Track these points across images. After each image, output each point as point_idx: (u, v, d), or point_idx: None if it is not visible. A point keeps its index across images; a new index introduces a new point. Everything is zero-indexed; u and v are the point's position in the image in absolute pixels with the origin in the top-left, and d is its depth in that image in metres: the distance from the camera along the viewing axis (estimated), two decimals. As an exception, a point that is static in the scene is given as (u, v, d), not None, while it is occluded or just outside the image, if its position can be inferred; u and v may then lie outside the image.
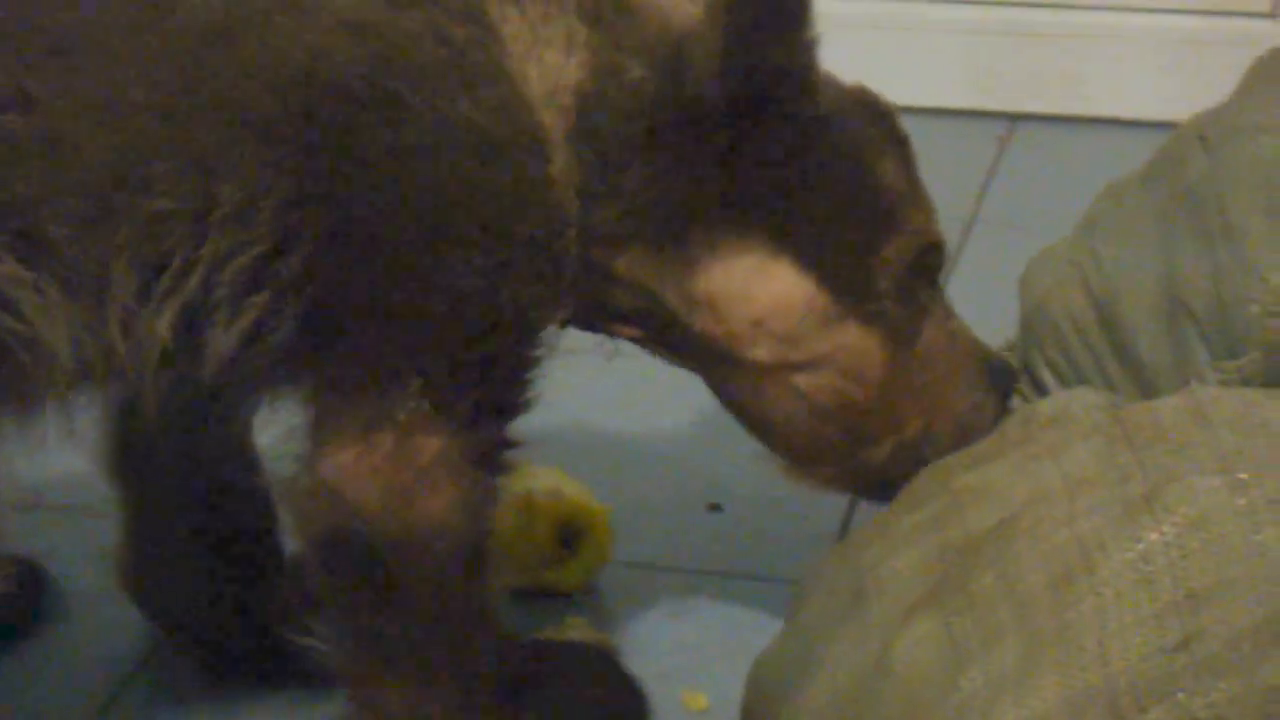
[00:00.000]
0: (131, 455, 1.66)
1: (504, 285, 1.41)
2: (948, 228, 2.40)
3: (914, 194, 1.55)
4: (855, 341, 1.52)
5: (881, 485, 1.58)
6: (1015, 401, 1.79)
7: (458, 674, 1.46)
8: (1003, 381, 1.61)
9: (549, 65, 1.44)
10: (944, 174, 2.53)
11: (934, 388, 1.56)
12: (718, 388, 1.58)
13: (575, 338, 1.56)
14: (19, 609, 1.74)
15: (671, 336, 1.53)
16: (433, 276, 1.40)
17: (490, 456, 1.45)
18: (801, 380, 1.53)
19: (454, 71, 1.39)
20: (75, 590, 1.77)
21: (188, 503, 1.66)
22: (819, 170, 1.49)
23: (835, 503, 1.90)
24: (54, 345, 1.35)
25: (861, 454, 1.56)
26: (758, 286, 1.51)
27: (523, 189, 1.41)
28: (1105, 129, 2.70)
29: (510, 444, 1.47)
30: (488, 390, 1.44)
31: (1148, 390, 1.71)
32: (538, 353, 1.46)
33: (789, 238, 1.49)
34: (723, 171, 1.47)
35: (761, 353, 1.52)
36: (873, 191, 1.52)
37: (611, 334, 1.57)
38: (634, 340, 1.56)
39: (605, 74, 1.45)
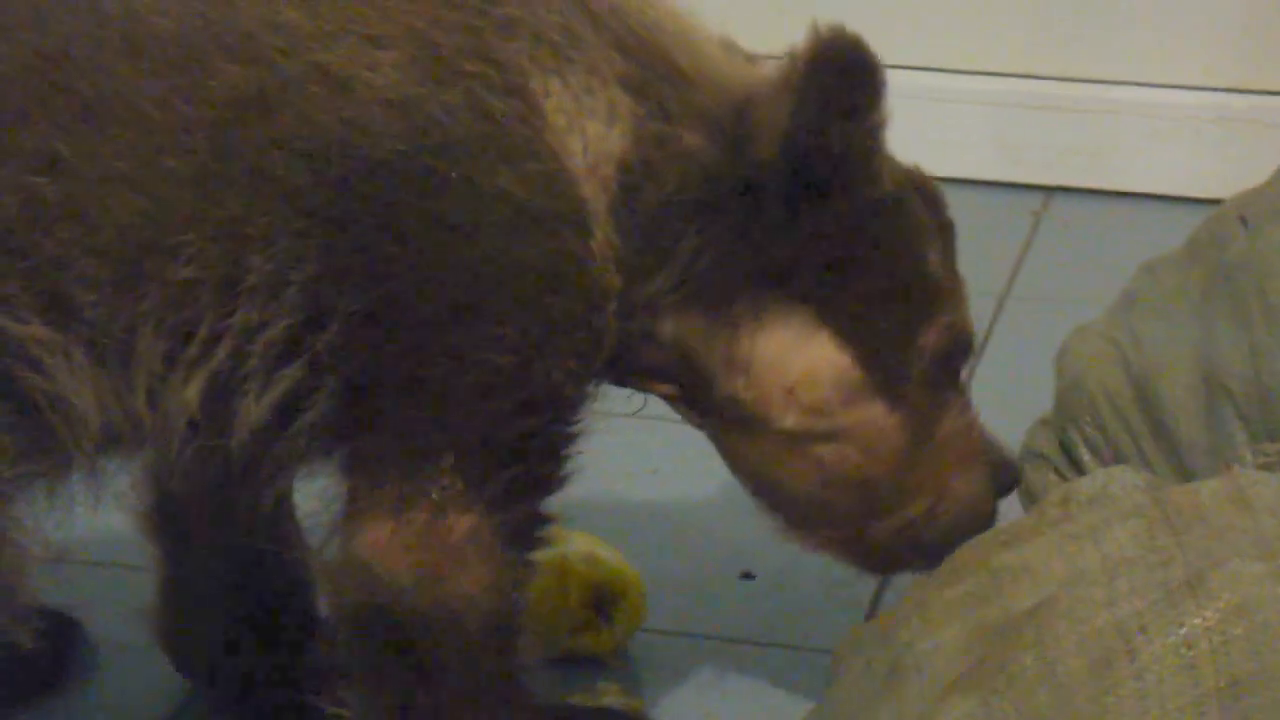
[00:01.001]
0: (168, 514, 1.66)
1: (539, 362, 1.41)
2: (982, 302, 2.41)
3: (953, 284, 1.57)
4: (880, 419, 1.53)
5: (876, 557, 1.60)
6: (1052, 478, 1.80)
7: None
8: (1006, 480, 1.63)
9: (592, 137, 1.44)
10: (978, 247, 2.54)
11: (945, 474, 1.57)
12: (733, 449, 1.57)
13: (606, 401, 1.56)
14: (52, 662, 1.74)
15: (703, 396, 1.53)
16: (466, 353, 1.40)
17: (523, 534, 1.45)
18: (822, 450, 1.53)
19: (494, 146, 1.39)
20: (109, 644, 1.77)
21: (222, 562, 1.66)
22: (872, 251, 1.50)
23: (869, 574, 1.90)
24: (82, 409, 1.36)
25: (866, 526, 1.57)
26: (797, 356, 1.51)
27: (562, 264, 1.41)
28: (1139, 204, 2.71)
29: (544, 520, 1.47)
30: (522, 468, 1.43)
31: (1185, 470, 1.71)
32: (573, 429, 1.46)
33: (833, 313, 1.50)
34: (778, 244, 1.48)
35: (789, 420, 1.52)
36: (920, 278, 1.53)
37: (642, 389, 1.57)
38: (664, 397, 1.56)
39: (651, 143, 1.45)
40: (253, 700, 1.67)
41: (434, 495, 1.41)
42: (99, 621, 1.78)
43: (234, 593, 1.67)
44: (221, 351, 1.38)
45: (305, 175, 1.36)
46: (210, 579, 1.67)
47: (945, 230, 1.56)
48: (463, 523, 1.41)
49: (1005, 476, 1.63)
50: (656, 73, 1.47)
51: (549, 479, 1.46)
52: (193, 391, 1.38)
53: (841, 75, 1.42)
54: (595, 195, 1.43)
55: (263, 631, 1.67)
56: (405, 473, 1.41)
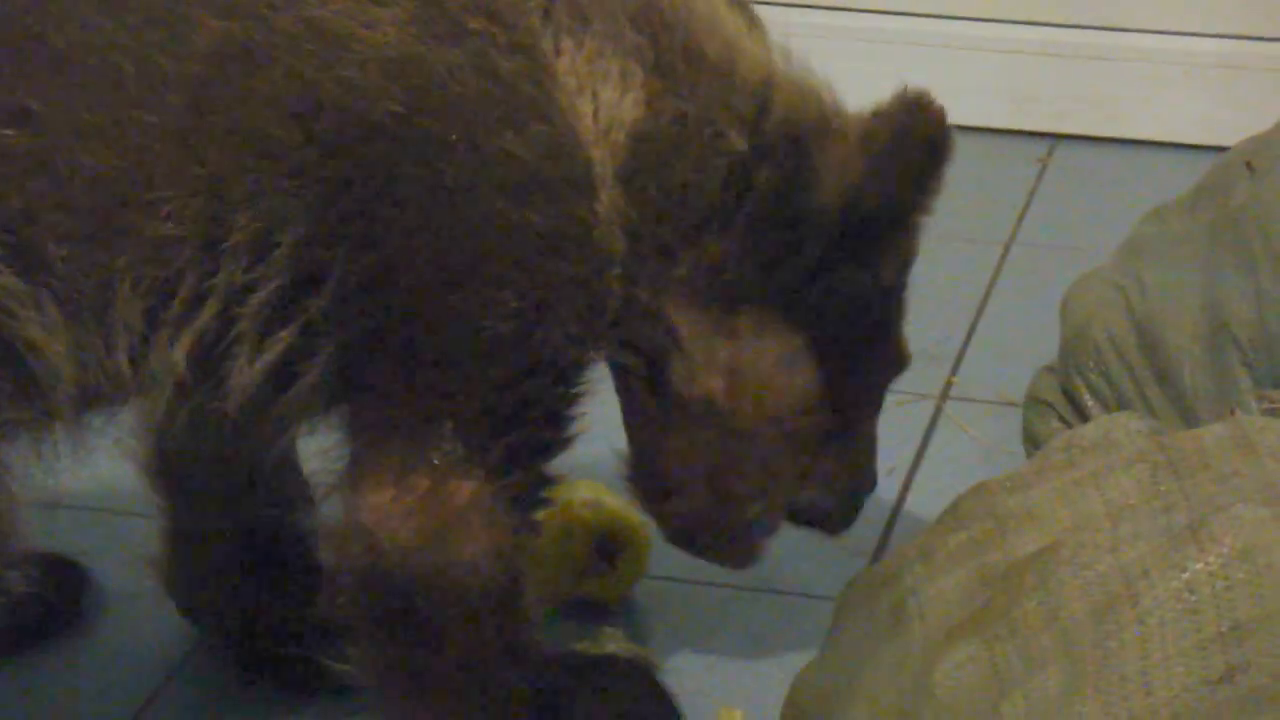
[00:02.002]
0: (171, 464, 1.66)
1: (540, 327, 1.40)
2: (987, 250, 2.41)
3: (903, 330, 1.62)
4: (824, 426, 1.56)
5: (708, 538, 1.61)
6: (1056, 425, 1.80)
7: (491, 704, 1.46)
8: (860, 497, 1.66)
9: (604, 101, 1.42)
10: (984, 195, 2.55)
11: (839, 474, 1.60)
12: (665, 431, 1.56)
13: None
14: (60, 608, 1.75)
15: (667, 382, 1.52)
16: (466, 319, 1.39)
17: (526, 498, 1.45)
18: (761, 446, 1.54)
19: (499, 106, 1.37)
20: (116, 590, 1.78)
21: (225, 513, 1.66)
22: (884, 299, 1.54)
23: (873, 520, 1.90)
24: (55, 362, 1.34)
25: (731, 512, 1.58)
26: (783, 378, 1.52)
27: (566, 228, 1.39)
28: (1145, 152, 2.70)
29: (547, 483, 1.47)
30: (523, 433, 1.43)
31: (1188, 416, 1.71)
32: (575, 392, 1.46)
33: (826, 348, 1.53)
34: (802, 275, 1.49)
35: (748, 423, 1.53)
36: (899, 328, 1.59)
37: (607, 357, 1.54)
38: (624, 367, 1.54)
39: (672, 118, 1.44)
40: (257, 648, 1.68)
41: (435, 461, 1.40)
42: (106, 568, 1.79)
43: (237, 542, 1.67)
44: (207, 312, 1.36)
45: (294, 134, 1.34)
46: (213, 529, 1.67)
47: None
48: (465, 488, 1.41)
49: (864, 493, 1.65)
50: (678, 53, 1.45)
51: (551, 443, 1.46)
52: (179, 353, 1.37)
53: (925, 151, 1.46)
54: (604, 159, 1.41)
55: (266, 581, 1.67)
56: (406, 438, 1.41)
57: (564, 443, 1.47)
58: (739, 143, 1.45)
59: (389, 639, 1.44)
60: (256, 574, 1.67)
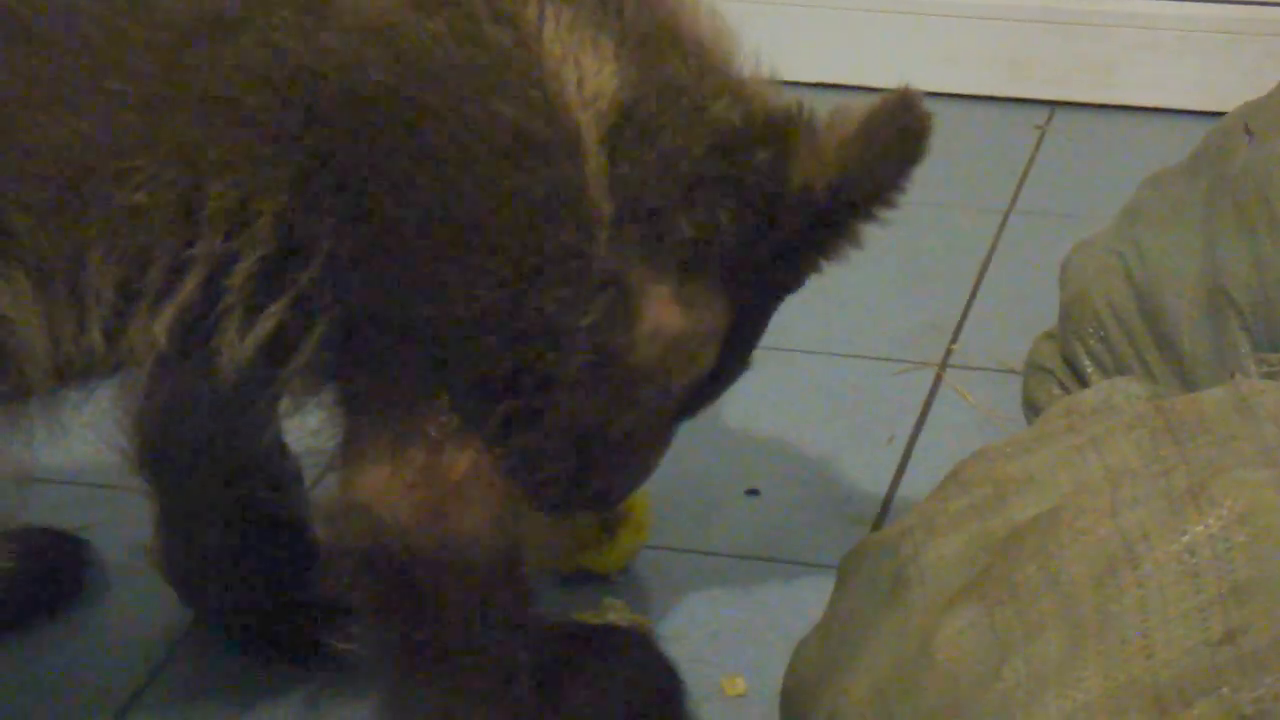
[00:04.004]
0: (159, 447, 1.65)
1: (532, 294, 1.39)
2: (986, 217, 2.41)
3: None
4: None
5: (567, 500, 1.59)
6: (1056, 391, 1.80)
7: (494, 678, 1.46)
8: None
9: (587, 69, 1.41)
10: (983, 162, 2.55)
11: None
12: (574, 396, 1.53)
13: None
14: (62, 583, 1.75)
15: (611, 346, 1.50)
16: (458, 288, 1.38)
17: (523, 466, 1.44)
18: (659, 416, 1.56)
19: (489, 72, 1.36)
20: (119, 564, 1.78)
21: (218, 496, 1.66)
22: (806, 267, 1.55)
23: (872, 489, 1.90)
24: (28, 336, 1.33)
25: (593, 482, 1.58)
26: (706, 351, 1.53)
27: (558, 192, 1.39)
28: (1144, 118, 2.70)
29: (543, 452, 1.47)
30: (518, 401, 1.42)
31: (1188, 380, 1.71)
32: (569, 358, 1.45)
33: (746, 315, 1.54)
34: (769, 252, 1.50)
35: (650, 394, 1.52)
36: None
37: None
38: None
39: (653, 91, 1.43)
40: (258, 631, 1.68)
41: (431, 433, 1.40)
42: (108, 543, 1.79)
43: (231, 526, 1.66)
44: (189, 284, 1.35)
45: (270, 102, 1.33)
46: (207, 513, 1.66)
47: None
48: (462, 459, 1.41)
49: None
50: (649, 27, 1.45)
51: (546, 409, 1.46)
52: (160, 326, 1.36)
53: (911, 149, 1.46)
54: (589, 125, 1.41)
55: (263, 564, 1.67)
56: (401, 411, 1.40)
57: (559, 409, 1.47)
58: (729, 116, 1.45)
59: (390, 614, 1.44)
60: (251, 556, 1.66)
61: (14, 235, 1.31)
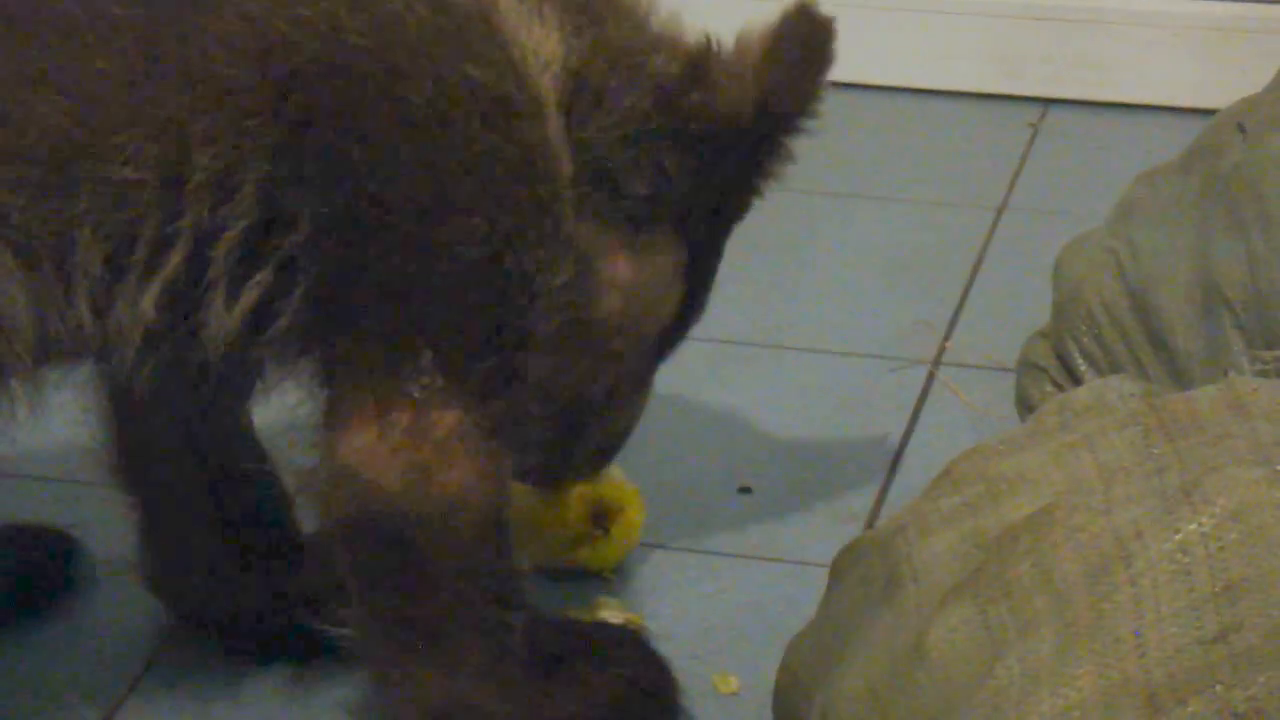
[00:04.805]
0: (134, 456, 1.66)
1: (510, 253, 1.41)
2: (979, 215, 2.41)
3: None
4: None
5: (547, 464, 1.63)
6: (1049, 390, 1.80)
7: (486, 652, 1.46)
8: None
9: (537, 37, 1.45)
10: (976, 160, 2.55)
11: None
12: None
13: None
14: (52, 579, 1.75)
15: (568, 302, 1.51)
16: (441, 247, 1.40)
17: (507, 424, 1.45)
18: (626, 367, 1.56)
19: (456, 38, 1.39)
20: (107, 560, 1.77)
21: (195, 494, 1.65)
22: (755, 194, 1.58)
23: (866, 486, 1.90)
24: (13, 313, 1.34)
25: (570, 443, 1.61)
26: (668, 296, 1.55)
27: (529, 151, 1.42)
28: (1137, 115, 2.70)
29: (527, 410, 1.47)
30: (499, 359, 1.44)
31: (1182, 378, 1.71)
32: (547, 315, 1.46)
33: (701, 254, 1.56)
34: (714, 190, 1.53)
35: (624, 346, 1.54)
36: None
37: None
38: None
39: (596, 53, 1.47)
40: (247, 631, 1.67)
41: (415, 394, 1.41)
42: (98, 540, 1.78)
43: (211, 525, 1.66)
44: (176, 256, 1.37)
45: (248, 75, 1.36)
46: (186, 516, 1.66)
47: None
48: (446, 419, 1.42)
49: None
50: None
51: (526, 367, 1.46)
52: (148, 300, 1.37)
53: (820, 54, 1.51)
54: (547, 89, 1.45)
55: (247, 559, 1.66)
56: (385, 374, 1.41)
57: (539, 368, 1.47)
58: (668, 69, 1.49)
59: (383, 584, 1.44)
60: (234, 552, 1.66)
61: (3, 214, 1.33)
